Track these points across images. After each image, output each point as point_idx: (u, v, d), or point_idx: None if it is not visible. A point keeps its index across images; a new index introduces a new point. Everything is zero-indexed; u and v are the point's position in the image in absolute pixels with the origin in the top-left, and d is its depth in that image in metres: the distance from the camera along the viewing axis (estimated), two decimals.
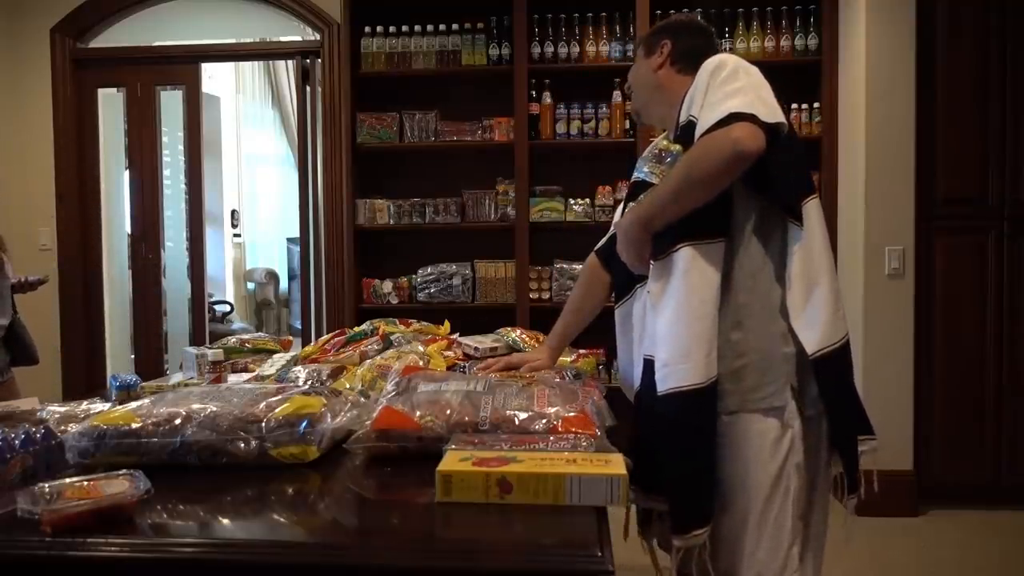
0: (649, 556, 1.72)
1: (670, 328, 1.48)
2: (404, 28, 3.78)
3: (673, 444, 1.48)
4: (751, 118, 1.39)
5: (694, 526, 1.46)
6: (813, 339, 1.47)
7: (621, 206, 1.88)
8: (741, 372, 1.49)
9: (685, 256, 1.47)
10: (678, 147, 1.55)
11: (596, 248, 1.93)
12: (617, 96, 3.68)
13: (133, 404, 1.36)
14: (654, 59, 1.69)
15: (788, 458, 1.48)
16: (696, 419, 1.45)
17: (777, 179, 1.48)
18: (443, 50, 3.78)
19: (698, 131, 1.45)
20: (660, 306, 1.51)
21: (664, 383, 1.47)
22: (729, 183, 1.44)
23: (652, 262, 1.53)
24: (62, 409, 1.52)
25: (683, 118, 1.57)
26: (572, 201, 3.74)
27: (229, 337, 2.40)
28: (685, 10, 3.66)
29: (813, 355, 1.47)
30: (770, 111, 1.43)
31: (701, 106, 1.48)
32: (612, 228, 1.88)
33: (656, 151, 1.59)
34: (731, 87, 1.45)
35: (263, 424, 1.23)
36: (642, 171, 1.63)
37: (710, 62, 1.52)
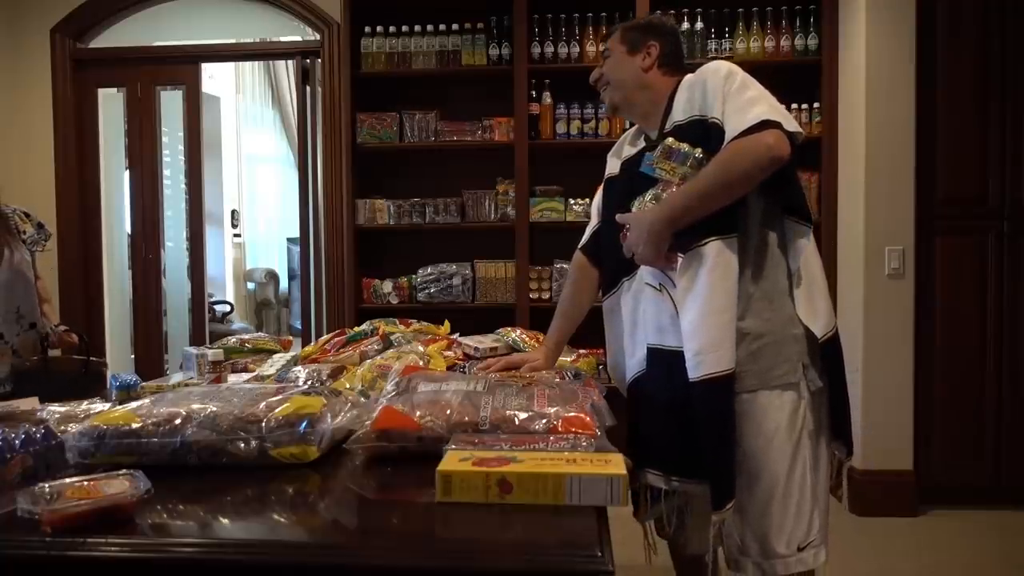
0: (644, 538, 1.86)
1: (701, 319, 1.57)
2: (404, 28, 3.78)
3: (711, 427, 1.57)
4: (778, 126, 1.51)
5: (727, 500, 1.57)
6: (819, 324, 1.64)
7: (598, 199, 1.95)
8: (758, 353, 1.61)
9: (713, 250, 1.58)
10: (687, 145, 1.61)
11: (581, 246, 2.01)
12: None
13: (133, 404, 1.36)
14: (640, 59, 1.79)
15: (803, 427, 1.62)
16: (727, 402, 1.57)
17: (792, 182, 1.63)
18: (443, 50, 3.78)
19: (729, 135, 1.55)
20: (688, 299, 1.59)
21: (697, 370, 1.56)
22: (756, 185, 1.56)
23: (680, 256, 1.60)
24: (62, 409, 1.52)
25: (681, 117, 1.68)
26: (572, 201, 3.74)
27: (229, 337, 2.40)
28: (685, 10, 3.66)
29: (822, 338, 1.63)
30: (788, 120, 1.55)
31: (722, 111, 1.58)
32: (594, 222, 1.97)
33: (665, 148, 1.63)
34: (749, 95, 1.58)
35: (263, 424, 1.23)
36: (647, 167, 1.66)
37: (718, 67, 1.64)
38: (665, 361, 1.67)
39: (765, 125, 1.52)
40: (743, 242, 1.61)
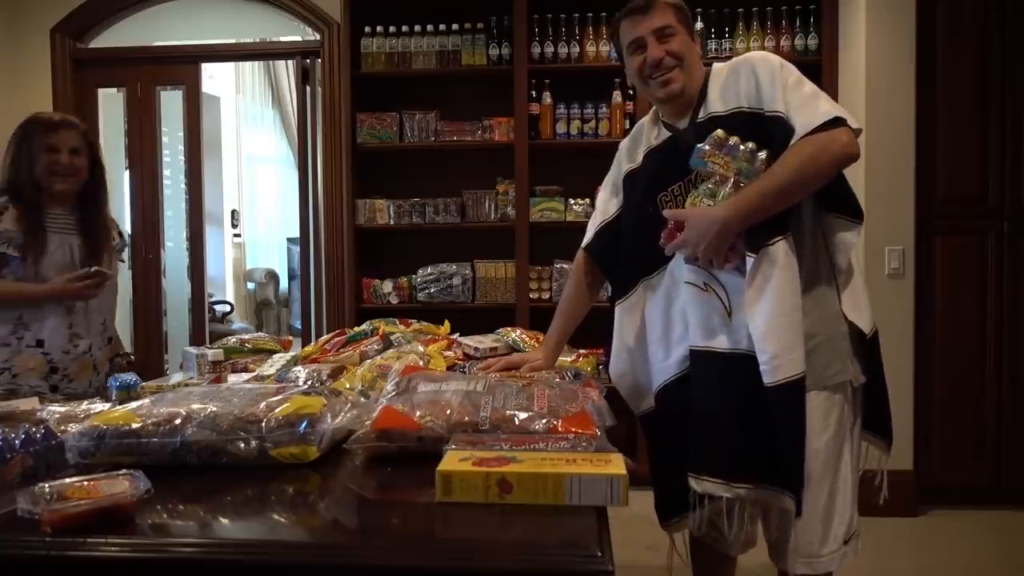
0: (671, 548, 1.84)
1: (774, 321, 1.53)
2: (404, 28, 3.78)
3: (791, 431, 1.54)
4: (846, 124, 1.50)
5: (801, 503, 1.55)
6: (865, 321, 1.65)
7: (604, 197, 1.89)
8: (812, 353, 1.57)
9: (782, 250, 1.54)
10: (737, 138, 1.56)
11: (584, 246, 1.95)
12: (617, 96, 3.68)
13: (133, 404, 1.36)
14: (697, 47, 1.74)
15: (849, 425, 1.65)
16: (803, 404, 1.54)
17: (842, 179, 1.60)
18: (443, 50, 3.78)
19: (799, 131, 1.51)
20: (759, 301, 1.54)
21: (774, 375, 1.52)
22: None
23: (751, 255, 1.55)
24: (62, 409, 1.52)
25: (721, 108, 1.63)
26: (572, 201, 3.74)
27: (229, 337, 2.40)
28: None
29: (870, 334, 1.65)
30: (851, 117, 1.53)
31: (786, 103, 1.55)
32: (598, 221, 1.91)
33: (716, 140, 1.57)
34: (807, 89, 1.57)
35: (263, 424, 1.23)
36: (697, 160, 1.59)
37: (767, 58, 1.61)
38: (718, 364, 1.61)
39: (836, 123, 1.50)
40: (799, 240, 1.59)
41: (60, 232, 2.23)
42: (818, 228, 1.64)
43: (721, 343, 1.61)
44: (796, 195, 1.54)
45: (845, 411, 1.64)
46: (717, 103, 1.64)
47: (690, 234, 1.56)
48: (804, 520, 1.58)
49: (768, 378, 1.52)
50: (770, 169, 1.53)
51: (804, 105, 1.54)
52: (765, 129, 1.57)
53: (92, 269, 2.18)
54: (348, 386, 1.69)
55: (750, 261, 1.55)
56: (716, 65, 1.71)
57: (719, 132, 1.57)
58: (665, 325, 1.72)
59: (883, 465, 1.78)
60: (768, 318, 1.52)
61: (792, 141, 1.52)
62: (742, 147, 1.55)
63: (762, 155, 1.55)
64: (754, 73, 1.60)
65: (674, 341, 1.71)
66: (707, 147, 1.57)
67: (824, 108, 1.53)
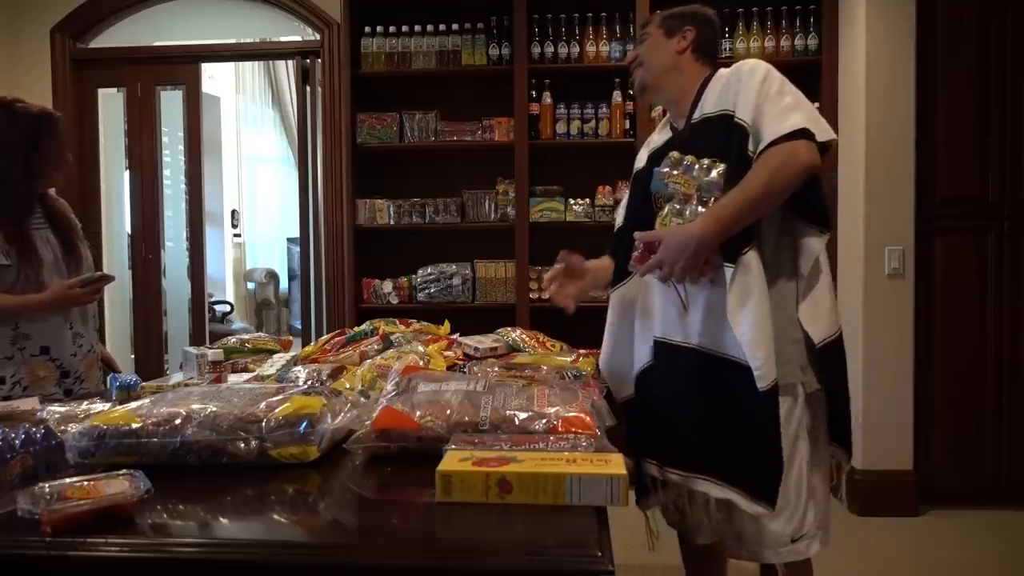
0: (647, 527, 1.91)
1: (759, 329, 1.56)
2: (404, 28, 3.79)
3: (776, 431, 1.59)
4: (811, 136, 1.55)
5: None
6: (819, 329, 1.65)
7: (621, 214, 1.94)
8: None
9: (754, 259, 1.57)
10: (691, 157, 1.61)
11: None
12: (617, 96, 3.68)
13: (133, 404, 1.36)
14: (676, 42, 1.78)
15: (799, 427, 1.66)
16: (777, 406, 1.58)
17: (812, 186, 1.60)
18: (443, 50, 3.78)
19: (766, 139, 1.55)
20: (743, 308, 1.57)
21: (766, 380, 1.56)
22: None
23: (729, 266, 1.57)
24: (62, 409, 1.52)
25: (712, 109, 1.67)
26: (572, 201, 3.74)
27: (229, 337, 2.40)
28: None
29: (820, 343, 1.65)
30: (823, 130, 1.57)
31: (753, 112, 1.58)
32: (616, 223, 1.95)
33: (672, 161, 1.62)
34: (787, 100, 1.59)
35: (263, 424, 1.23)
36: (658, 183, 1.65)
37: (755, 67, 1.64)
38: (670, 355, 1.70)
39: (804, 134, 1.53)
40: (759, 247, 1.61)
41: (36, 229, 2.12)
42: (788, 234, 1.67)
43: (675, 335, 1.70)
44: (766, 206, 1.57)
45: (795, 415, 1.66)
46: (710, 104, 1.69)
47: (667, 253, 1.58)
48: (751, 513, 1.63)
49: (761, 383, 1.55)
50: (741, 183, 1.56)
51: (777, 115, 1.56)
52: (731, 135, 1.61)
53: (96, 275, 2.11)
54: (348, 386, 1.69)
55: (729, 272, 1.58)
56: (722, 70, 1.75)
57: (674, 154, 1.63)
58: (643, 314, 1.80)
59: (843, 470, 1.78)
60: (753, 326, 1.56)
61: (759, 148, 1.56)
62: (697, 165, 1.59)
63: (719, 169, 1.58)
64: (739, 79, 1.64)
65: (648, 330, 1.78)
66: (665, 169, 1.62)
67: (794, 119, 1.55)
